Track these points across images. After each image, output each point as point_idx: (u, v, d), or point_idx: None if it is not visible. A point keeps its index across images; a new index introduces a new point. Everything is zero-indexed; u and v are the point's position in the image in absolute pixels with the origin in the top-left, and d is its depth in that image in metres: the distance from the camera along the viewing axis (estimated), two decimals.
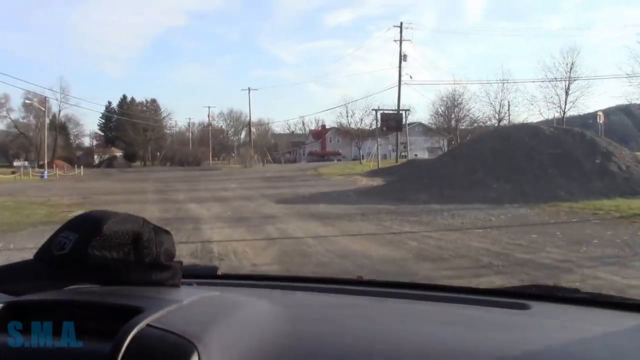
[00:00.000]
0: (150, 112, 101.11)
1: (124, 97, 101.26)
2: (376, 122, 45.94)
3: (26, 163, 78.14)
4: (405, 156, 50.78)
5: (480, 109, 60.55)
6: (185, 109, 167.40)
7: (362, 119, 64.73)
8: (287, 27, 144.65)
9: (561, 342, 0.97)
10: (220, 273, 1.66)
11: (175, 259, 1.14)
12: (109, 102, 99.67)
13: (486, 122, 54.14)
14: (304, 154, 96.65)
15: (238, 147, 75.26)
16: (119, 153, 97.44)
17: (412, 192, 18.67)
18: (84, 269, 0.98)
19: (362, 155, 56.72)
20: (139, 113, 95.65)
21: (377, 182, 27.32)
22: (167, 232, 1.14)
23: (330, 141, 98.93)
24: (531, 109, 74.93)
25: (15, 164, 78.99)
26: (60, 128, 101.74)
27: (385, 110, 48.93)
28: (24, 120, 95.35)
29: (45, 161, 58.41)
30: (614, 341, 1.04)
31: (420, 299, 1.37)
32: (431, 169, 24.00)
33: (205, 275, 1.59)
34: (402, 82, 49.24)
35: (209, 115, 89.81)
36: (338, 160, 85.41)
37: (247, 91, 73.95)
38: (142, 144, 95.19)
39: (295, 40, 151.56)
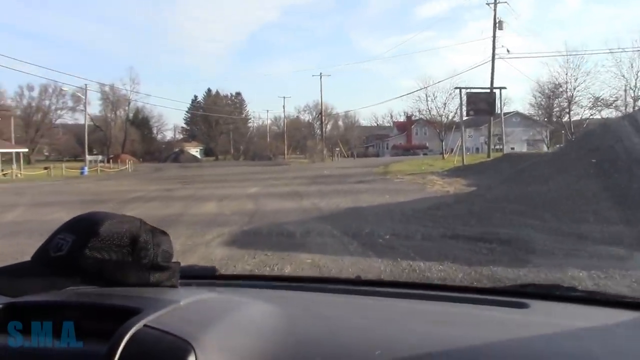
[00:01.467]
0: (234, 106, 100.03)
1: (209, 90, 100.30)
2: (460, 105, 34.53)
3: (99, 157, 76.38)
4: (501, 149, 39.67)
5: (604, 84, 46.99)
6: (269, 103, 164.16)
7: (445, 104, 50.87)
8: (378, 19, 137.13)
9: (559, 340, 0.97)
10: (218, 273, 1.61)
11: (172, 260, 1.11)
12: (195, 96, 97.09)
13: (613, 102, 39.62)
14: (387, 148, 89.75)
15: (318, 141, 67.92)
16: (198, 147, 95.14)
17: (516, 215, 9.79)
18: (81, 270, 0.98)
19: (444, 149, 46.80)
20: (223, 107, 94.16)
21: (455, 187, 18.66)
22: (164, 233, 1.11)
23: (417, 134, 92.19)
24: None
25: (88, 157, 77.27)
26: (142, 122, 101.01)
27: (473, 89, 35.57)
28: (100, 114, 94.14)
29: (106, 156, 54.76)
30: (612, 339, 1.04)
31: (419, 298, 1.34)
32: (543, 167, 14.81)
33: (203, 275, 1.56)
34: (496, 56, 38.44)
35: (283, 106, 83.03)
36: (424, 154, 78.41)
37: (319, 77, 65.99)
38: (221, 137, 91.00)
39: (386, 32, 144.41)
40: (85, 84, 48.20)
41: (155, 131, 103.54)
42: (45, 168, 41.57)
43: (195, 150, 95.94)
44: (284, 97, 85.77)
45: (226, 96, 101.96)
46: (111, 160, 71.98)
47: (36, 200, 18.74)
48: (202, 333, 0.82)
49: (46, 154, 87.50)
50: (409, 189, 18.56)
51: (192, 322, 0.88)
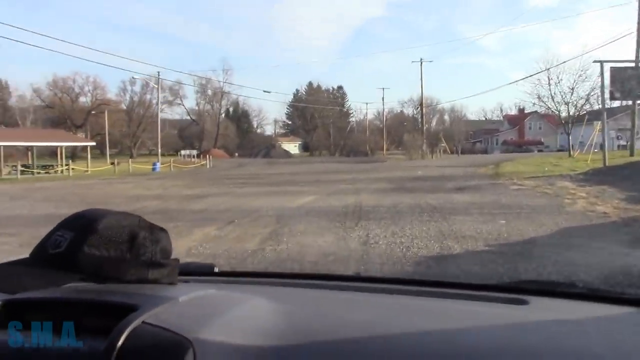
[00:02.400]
0: (335, 100, 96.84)
1: (310, 84, 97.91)
2: (601, 84, 24.30)
3: (194, 152, 74.47)
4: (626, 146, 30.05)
5: None
6: (372, 99, 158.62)
7: (573, 88, 38.92)
8: (486, 10, 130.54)
9: (559, 336, 0.96)
10: (216, 270, 1.57)
11: (171, 257, 1.11)
12: (297, 90, 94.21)
13: None
14: (497, 143, 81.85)
15: (417, 135, 60.82)
16: (296, 142, 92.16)
17: None
18: (80, 267, 0.97)
19: (572, 145, 38.01)
20: (323, 100, 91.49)
21: (612, 204, 11.49)
22: (163, 230, 1.10)
23: (530, 128, 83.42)
24: None
25: (182, 152, 75.61)
26: (241, 116, 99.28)
27: (619, 62, 24.21)
28: (196, 108, 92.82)
29: (200, 150, 51.52)
30: (612, 336, 1.02)
31: (419, 295, 1.33)
32: None
33: (201, 272, 1.54)
34: None
35: (382, 99, 76.34)
36: (539, 151, 69.99)
37: (420, 63, 58.73)
38: (317, 132, 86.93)
39: (495, 24, 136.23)
40: (158, 72, 44.44)
41: (255, 125, 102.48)
42: (112, 163, 37.98)
43: (294, 145, 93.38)
44: (383, 89, 79.02)
45: (327, 90, 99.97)
46: (201, 155, 70.25)
47: None
48: (200, 329, 0.82)
49: (152, 148, 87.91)
50: (537, 206, 11.66)
51: (191, 318, 0.87)
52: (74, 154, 73.49)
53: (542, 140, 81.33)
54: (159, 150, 47.73)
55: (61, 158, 37.76)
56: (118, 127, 79.03)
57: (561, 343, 0.92)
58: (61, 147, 38.01)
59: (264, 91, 59.70)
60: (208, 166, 44.81)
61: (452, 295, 1.30)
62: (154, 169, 39.54)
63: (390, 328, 0.97)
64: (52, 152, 70.41)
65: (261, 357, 0.81)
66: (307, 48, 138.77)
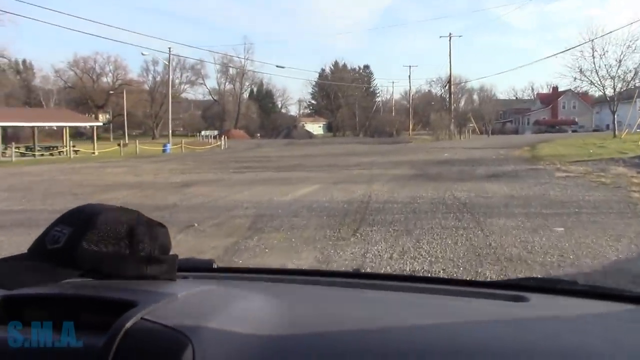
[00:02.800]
0: (362, 79, 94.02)
1: (335, 63, 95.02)
2: None
3: (215, 132, 72.46)
4: None
5: None
6: (399, 79, 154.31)
7: (620, 61, 34.71)
8: None
9: (559, 334, 0.94)
10: (216, 266, 1.57)
11: (170, 253, 1.10)
12: (322, 69, 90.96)
13: None
14: (528, 123, 78.27)
15: (444, 114, 57.29)
16: (320, 123, 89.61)
17: None
18: (78, 262, 0.95)
19: (617, 125, 34.35)
20: (348, 79, 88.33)
21: None
22: (162, 225, 1.08)
23: (564, 107, 79.45)
24: None
25: (203, 133, 73.68)
26: (265, 96, 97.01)
27: None
28: (223, 87, 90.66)
29: (220, 131, 49.06)
30: (613, 333, 1.01)
31: (418, 292, 1.32)
32: None
33: (201, 268, 1.52)
34: None
35: (409, 77, 72.89)
36: (573, 131, 66.22)
37: (448, 39, 55.13)
38: (341, 112, 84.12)
39: (525, 3, 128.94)
40: (169, 47, 41.57)
41: (279, 105, 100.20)
42: (119, 145, 35.73)
43: (318, 126, 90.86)
44: (410, 66, 75.11)
45: (354, 69, 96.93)
46: (221, 136, 68.15)
47: None
48: (199, 326, 0.80)
49: (175, 129, 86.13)
50: (598, 202, 8.80)
51: (190, 314, 0.86)
52: (95, 135, 73.32)
53: (576, 120, 77.60)
54: (170, 132, 45.46)
55: (67, 139, 35.53)
56: (141, 108, 77.56)
57: (561, 340, 0.91)
58: (66, 127, 35.78)
59: (277, 66, 56.55)
60: (222, 147, 42.43)
61: (452, 292, 1.28)
62: (164, 151, 37.29)
63: (389, 324, 0.95)
64: (76, 132, 70.39)
65: (260, 353, 0.80)
66: (332, 28, 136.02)
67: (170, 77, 47.76)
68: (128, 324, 0.77)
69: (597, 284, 1.60)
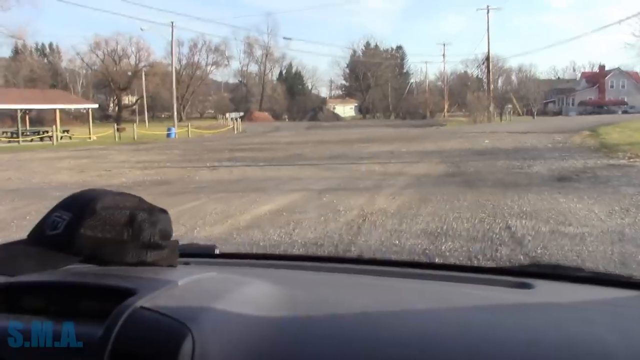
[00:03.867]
0: (395, 60, 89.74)
1: (367, 44, 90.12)
2: None
3: (240, 114, 68.74)
4: None
5: None
6: (434, 58, 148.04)
7: None
8: None
9: (565, 321, 0.93)
10: (218, 252, 1.51)
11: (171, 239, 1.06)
12: (354, 51, 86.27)
13: None
14: (572, 104, 72.32)
15: (482, 94, 51.84)
16: (352, 105, 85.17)
17: None
18: (77, 249, 0.93)
19: None
20: (383, 61, 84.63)
21: None
22: (163, 211, 1.05)
23: (612, 86, 73.06)
24: None
25: (227, 115, 69.94)
26: (295, 77, 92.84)
27: None
28: (245, 69, 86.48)
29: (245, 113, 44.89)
30: (619, 320, 0.98)
31: (422, 278, 1.29)
32: None
33: (202, 254, 1.47)
34: None
35: (443, 55, 67.19)
36: (623, 112, 60.25)
37: (486, 11, 49.44)
38: (371, 93, 79.40)
39: None
40: (172, 22, 36.81)
41: (310, 87, 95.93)
42: (118, 129, 31.65)
43: (349, 108, 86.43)
44: (444, 44, 69.56)
45: (386, 50, 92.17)
46: (245, 118, 64.45)
47: None
48: (199, 314, 0.79)
49: (210, 111, 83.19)
50: None
51: (190, 302, 0.84)
52: (118, 117, 70.45)
53: (625, 99, 71.50)
54: (175, 113, 41.22)
55: (58, 123, 31.69)
56: (166, 90, 73.95)
57: (567, 327, 0.89)
58: (57, 110, 31.94)
59: (284, 37, 52.93)
60: (236, 131, 38.15)
61: (457, 279, 1.26)
62: (168, 135, 33.25)
63: (393, 311, 0.94)
64: (102, 115, 67.85)
65: (262, 339, 0.79)
66: (365, 9, 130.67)
67: (173, 51, 43.67)
68: (126, 313, 0.75)
69: (603, 271, 1.49)
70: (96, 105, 38.74)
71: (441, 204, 7.27)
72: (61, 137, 30.26)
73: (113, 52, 74.77)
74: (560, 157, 13.01)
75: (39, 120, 45.71)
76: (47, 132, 29.76)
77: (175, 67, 78.30)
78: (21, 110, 31.89)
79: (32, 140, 29.45)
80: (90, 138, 30.93)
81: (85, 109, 34.80)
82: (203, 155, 18.13)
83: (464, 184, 9.22)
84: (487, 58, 51.73)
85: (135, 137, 30.40)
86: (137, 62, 74.84)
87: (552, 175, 9.95)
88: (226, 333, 0.78)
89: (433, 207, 7.12)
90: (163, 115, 71.63)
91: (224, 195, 8.64)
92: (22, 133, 30.54)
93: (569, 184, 8.73)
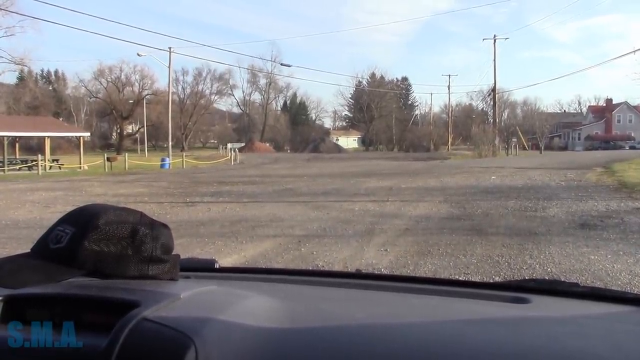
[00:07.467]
0: (400, 91, 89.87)
1: (373, 75, 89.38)
2: None
3: (240, 144, 67.59)
4: None
5: None
6: (438, 93, 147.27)
7: None
8: (561, 3, 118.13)
9: (561, 336, 0.93)
10: (218, 266, 1.54)
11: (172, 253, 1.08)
12: (359, 81, 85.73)
13: None
14: (578, 138, 71.16)
15: (488, 127, 50.53)
16: (355, 136, 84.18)
17: None
18: (80, 262, 0.95)
19: None
20: (388, 91, 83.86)
21: None
22: (165, 226, 1.06)
23: (619, 121, 71.71)
24: None
25: (229, 145, 68.87)
26: (298, 108, 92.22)
27: None
28: (248, 98, 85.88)
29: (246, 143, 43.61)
30: (614, 335, 0.99)
31: (419, 293, 1.29)
32: None
33: (203, 268, 1.50)
34: None
35: (448, 87, 66.24)
36: (631, 147, 58.81)
37: (492, 40, 48.47)
38: (374, 124, 78.83)
39: (569, 17, 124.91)
40: (170, 47, 35.53)
41: (313, 117, 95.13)
42: (109, 159, 30.27)
43: (352, 139, 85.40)
44: (449, 75, 68.46)
45: (392, 81, 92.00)
46: (246, 148, 63.23)
47: None
48: (202, 326, 0.79)
49: (213, 141, 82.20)
50: None
51: (192, 315, 0.85)
52: (120, 146, 69.29)
53: (632, 135, 70.26)
54: (170, 143, 39.94)
55: (47, 151, 30.43)
56: (171, 118, 72.75)
57: (562, 342, 0.90)
58: (47, 138, 30.63)
59: (282, 64, 51.65)
60: (232, 163, 36.84)
61: (453, 294, 1.26)
62: (162, 165, 31.95)
63: (390, 325, 0.96)
64: (105, 144, 66.46)
65: (263, 353, 0.79)
66: (370, 42, 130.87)
67: (170, 78, 42.06)
68: (130, 324, 0.76)
69: (599, 287, 1.52)
70: (88, 134, 37.53)
71: (443, 260, 5.88)
72: (50, 167, 29.02)
73: (117, 79, 74.21)
74: (577, 197, 11.59)
75: (40, 148, 44.57)
76: (35, 161, 28.49)
77: (178, 96, 78.61)
78: (7, 137, 30.67)
79: (20, 169, 28.19)
80: (80, 168, 29.61)
81: (77, 137, 33.42)
82: (188, 188, 16.78)
83: (470, 230, 7.81)
84: (494, 89, 50.49)
85: (127, 168, 29.08)
86: (140, 90, 74.11)
87: (572, 220, 8.54)
88: (228, 344, 0.78)
89: (433, 264, 5.74)
90: (165, 145, 70.68)
91: (185, 241, 7.23)
92: (10, 162, 29.28)
93: (596, 233, 7.31)
